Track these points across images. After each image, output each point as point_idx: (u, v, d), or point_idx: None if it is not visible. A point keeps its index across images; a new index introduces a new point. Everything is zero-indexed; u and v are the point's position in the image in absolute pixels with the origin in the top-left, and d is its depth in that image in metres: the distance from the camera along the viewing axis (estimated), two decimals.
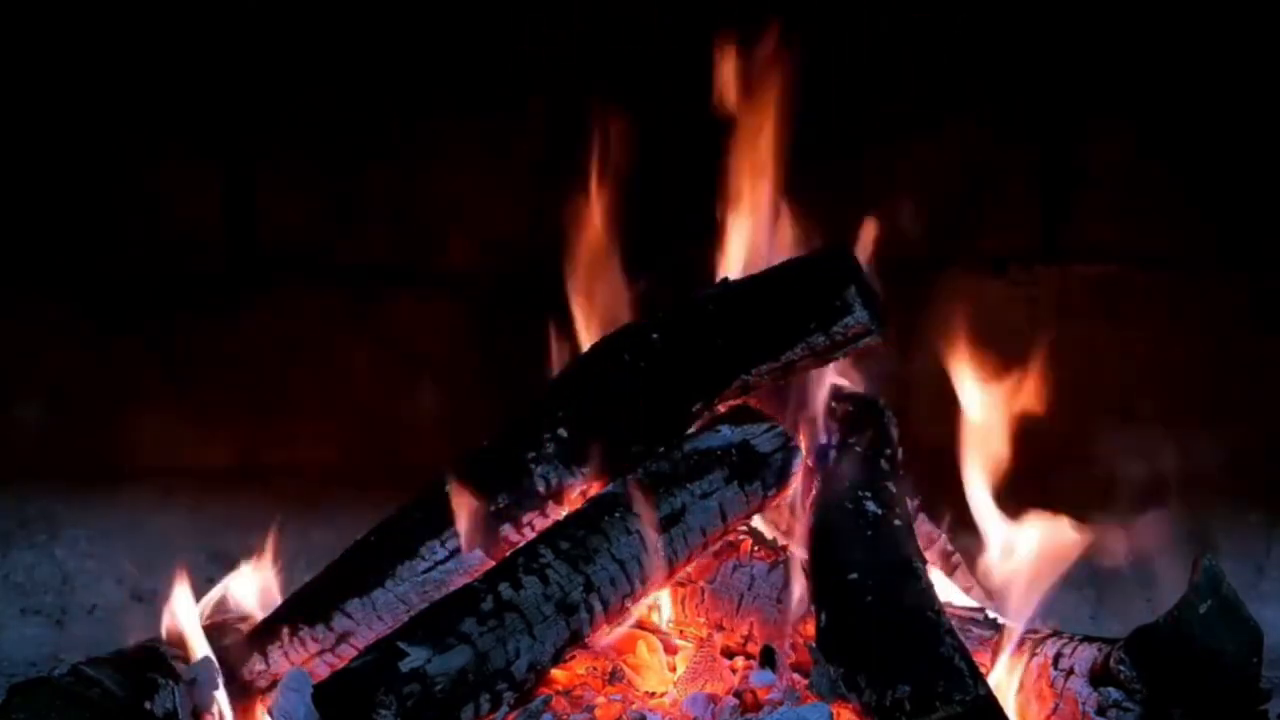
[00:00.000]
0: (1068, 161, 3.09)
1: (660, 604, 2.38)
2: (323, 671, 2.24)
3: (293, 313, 3.09)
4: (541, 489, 2.33)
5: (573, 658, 2.21)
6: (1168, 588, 2.18)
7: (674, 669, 2.27)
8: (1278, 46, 3.01)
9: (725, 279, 2.42)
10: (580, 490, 2.35)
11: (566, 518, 2.30)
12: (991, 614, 2.36)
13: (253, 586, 2.45)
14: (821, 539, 2.30)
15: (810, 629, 2.25)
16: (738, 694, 2.20)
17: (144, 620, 2.84)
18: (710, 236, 2.56)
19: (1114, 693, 2.08)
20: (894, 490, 2.36)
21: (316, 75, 3.02)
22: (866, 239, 2.46)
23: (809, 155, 2.56)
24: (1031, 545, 2.39)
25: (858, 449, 2.41)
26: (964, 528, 2.52)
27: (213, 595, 2.41)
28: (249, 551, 2.47)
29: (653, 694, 2.22)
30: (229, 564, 2.49)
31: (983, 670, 2.10)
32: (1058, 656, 2.20)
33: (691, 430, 2.38)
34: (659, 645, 2.30)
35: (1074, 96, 3.05)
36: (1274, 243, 3.09)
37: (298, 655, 2.29)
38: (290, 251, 3.11)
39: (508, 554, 2.25)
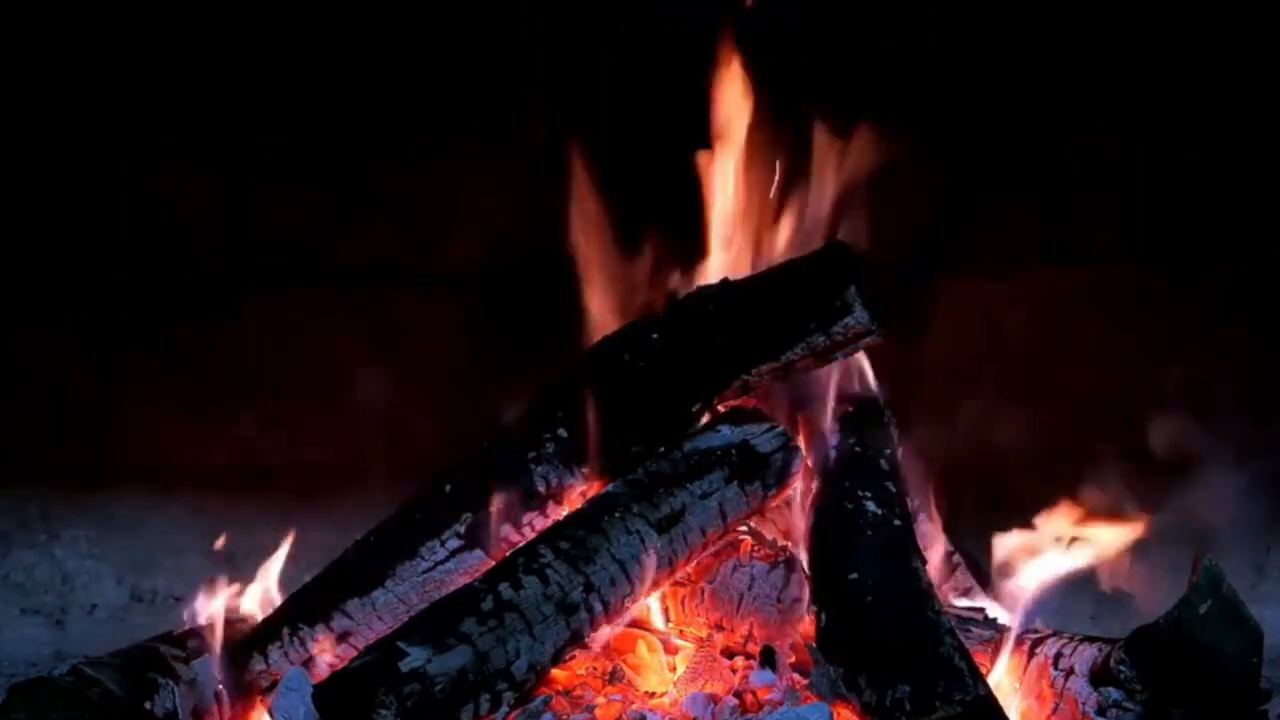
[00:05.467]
0: (1067, 162, 3.09)
1: (660, 604, 2.38)
2: (323, 671, 2.24)
3: (292, 313, 3.09)
4: (541, 489, 2.33)
5: (573, 658, 2.21)
6: (1168, 588, 2.18)
7: (674, 669, 2.27)
8: (1274, 48, 3.02)
9: (725, 278, 2.42)
10: (580, 490, 2.35)
11: (566, 518, 2.30)
12: (991, 614, 2.36)
13: (253, 586, 2.45)
14: (821, 539, 2.30)
15: (810, 629, 2.25)
16: (738, 694, 2.20)
17: (144, 620, 2.85)
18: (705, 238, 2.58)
19: (1114, 693, 2.08)
20: (894, 490, 2.36)
21: (316, 76, 3.02)
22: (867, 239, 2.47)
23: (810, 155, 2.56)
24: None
25: (858, 449, 2.41)
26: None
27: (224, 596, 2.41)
28: (250, 552, 2.48)
29: (653, 694, 2.22)
30: (229, 564, 2.49)
31: (983, 670, 2.10)
32: (1058, 656, 2.20)
33: (691, 430, 2.38)
34: (659, 645, 2.30)
35: (1073, 97, 3.05)
36: (1273, 242, 3.09)
37: (298, 655, 2.29)
38: (290, 251, 3.11)
39: (508, 554, 2.25)
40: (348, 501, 2.72)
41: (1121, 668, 2.07)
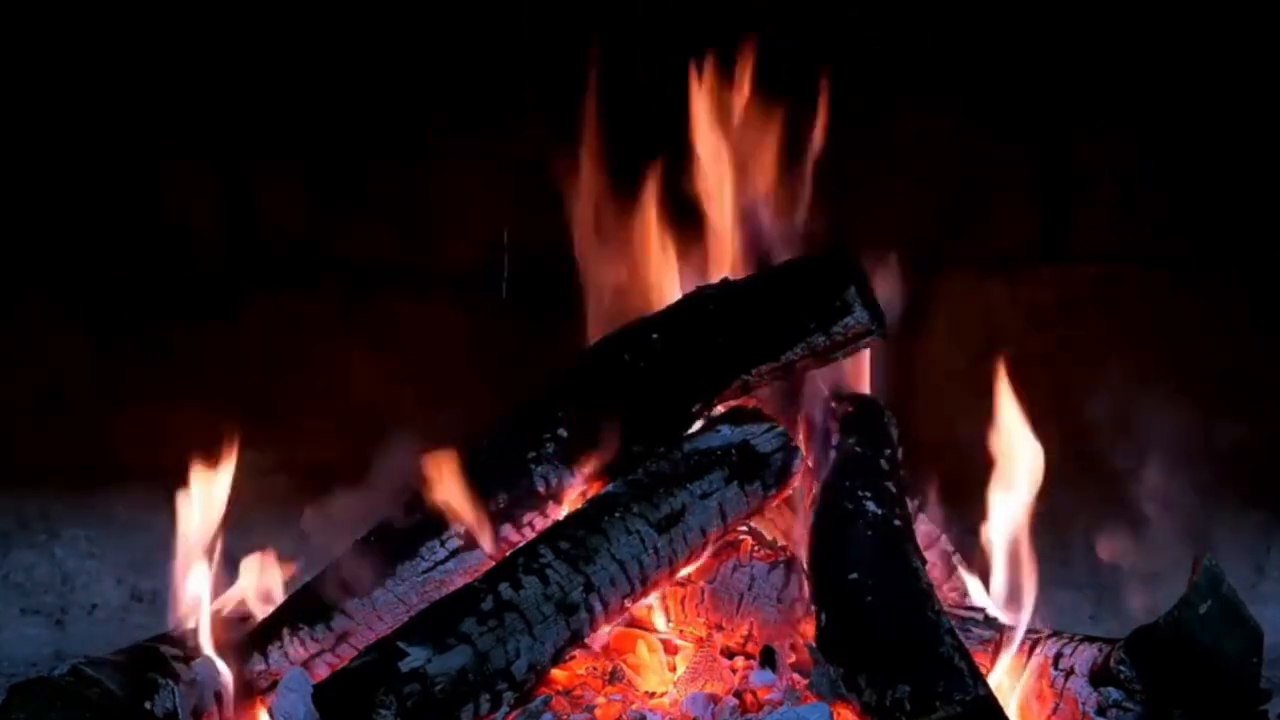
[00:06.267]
0: (1067, 162, 3.09)
1: (660, 604, 2.38)
2: (323, 671, 2.24)
3: (292, 313, 3.09)
4: (541, 489, 2.33)
5: (573, 658, 2.21)
6: (1168, 587, 2.18)
7: (674, 669, 2.27)
8: (1273, 48, 3.02)
9: (726, 278, 2.42)
10: (580, 490, 2.35)
11: (566, 518, 2.30)
12: (992, 614, 2.36)
13: (253, 586, 2.45)
14: (821, 539, 2.30)
15: (810, 629, 2.25)
16: (738, 694, 2.20)
17: (144, 620, 2.85)
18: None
19: (1114, 693, 2.08)
20: (894, 490, 2.36)
21: (316, 75, 3.02)
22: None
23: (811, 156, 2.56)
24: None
25: (858, 449, 2.41)
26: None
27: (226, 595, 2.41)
28: (250, 552, 2.47)
29: (653, 694, 2.22)
30: (228, 564, 2.49)
31: (983, 670, 2.10)
32: (1058, 656, 2.20)
33: (691, 430, 2.38)
34: (659, 645, 2.30)
35: (1073, 97, 3.06)
36: (1273, 242, 3.09)
37: (298, 655, 2.29)
38: (289, 251, 3.11)
39: (508, 554, 2.25)
40: (347, 501, 2.71)
41: (1121, 668, 2.07)
